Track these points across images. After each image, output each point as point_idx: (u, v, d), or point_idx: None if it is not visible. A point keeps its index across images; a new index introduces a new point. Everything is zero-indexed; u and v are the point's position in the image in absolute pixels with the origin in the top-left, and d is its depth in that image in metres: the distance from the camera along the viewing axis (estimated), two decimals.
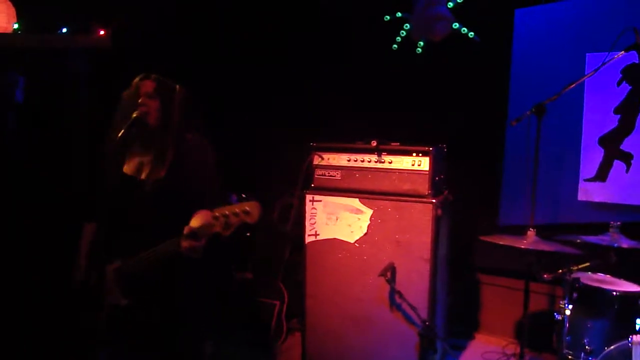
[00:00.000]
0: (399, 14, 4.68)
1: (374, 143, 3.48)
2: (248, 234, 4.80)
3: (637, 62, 3.18)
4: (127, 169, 2.74)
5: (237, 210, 2.38)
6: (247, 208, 2.38)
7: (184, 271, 2.69)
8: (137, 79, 2.74)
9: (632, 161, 4.01)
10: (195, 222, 2.49)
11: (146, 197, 2.67)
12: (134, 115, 2.63)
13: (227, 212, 2.39)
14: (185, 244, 2.49)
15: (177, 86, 2.77)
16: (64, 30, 4.25)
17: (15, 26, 4.08)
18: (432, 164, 3.38)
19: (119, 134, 2.61)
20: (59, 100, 4.24)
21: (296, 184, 3.68)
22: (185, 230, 2.48)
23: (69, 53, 4.27)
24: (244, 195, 2.43)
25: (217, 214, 2.40)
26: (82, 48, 4.37)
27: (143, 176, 2.71)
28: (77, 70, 4.33)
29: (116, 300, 2.68)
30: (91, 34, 4.33)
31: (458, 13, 4.47)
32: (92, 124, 4.22)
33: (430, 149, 3.38)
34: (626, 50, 3.14)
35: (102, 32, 4.36)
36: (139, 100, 2.67)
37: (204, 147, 2.79)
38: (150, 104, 2.68)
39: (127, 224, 2.69)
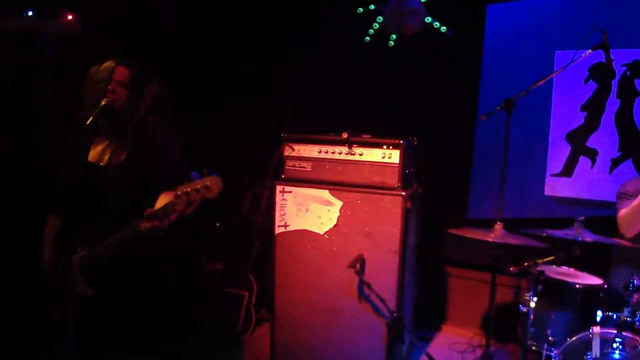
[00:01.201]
0: (372, 7, 4.67)
1: (344, 135, 3.47)
2: (217, 224, 4.77)
3: (603, 61, 3.24)
4: (91, 156, 2.70)
5: (198, 186, 2.38)
6: (208, 183, 2.37)
7: (149, 258, 2.68)
8: (112, 63, 2.68)
9: (597, 157, 4.09)
10: (158, 204, 2.48)
11: (108, 183, 2.63)
12: (103, 103, 2.57)
13: (188, 190, 2.38)
14: (145, 225, 2.47)
15: (153, 77, 2.75)
16: (30, 13, 4.14)
17: None
18: (403, 156, 3.39)
19: (87, 122, 2.50)
20: (24, 85, 4.14)
21: (267, 174, 3.66)
22: (146, 213, 2.47)
23: (35, 36, 4.17)
24: (205, 171, 2.42)
25: (179, 192, 2.39)
26: (50, 32, 4.27)
27: (104, 162, 2.68)
28: (44, 54, 4.23)
29: (82, 290, 2.65)
30: (59, 18, 4.23)
31: (431, 7, 4.48)
32: (58, 110, 4.14)
33: (401, 142, 3.39)
34: (593, 49, 3.21)
35: (70, 17, 4.27)
36: (110, 87, 2.62)
37: (166, 130, 2.76)
38: (121, 93, 2.64)
39: (90, 212, 2.66)
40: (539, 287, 3.09)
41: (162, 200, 2.50)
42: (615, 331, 2.65)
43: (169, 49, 4.69)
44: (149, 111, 2.73)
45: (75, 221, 2.71)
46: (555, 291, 3.11)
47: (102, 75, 2.65)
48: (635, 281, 2.73)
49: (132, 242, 2.53)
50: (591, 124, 4.12)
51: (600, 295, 3.04)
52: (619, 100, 4.01)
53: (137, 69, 2.71)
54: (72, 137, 2.78)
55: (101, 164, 2.68)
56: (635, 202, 3.20)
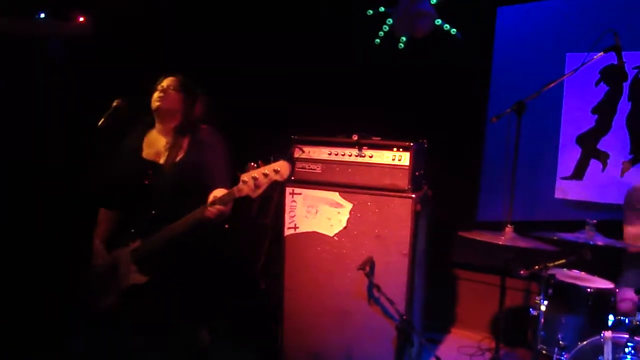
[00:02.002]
0: (382, 9, 4.67)
1: (355, 137, 3.47)
2: (227, 226, 4.77)
3: (615, 63, 3.22)
4: (148, 154, 2.92)
5: (266, 171, 2.51)
6: (277, 167, 2.51)
7: (197, 254, 2.89)
8: (162, 77, 2.93)
9: (608, 160, 4.07)
10: (217, 192, 2.66)
11: (164, 179, 2.83)
12: (114, 104, 2.85)
13: (255, 175, 2.52)
14: (210, 210, 2.64)
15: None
16: (42, 15, 4.17)
17: None
18: (413, 159, 3.38)
19: (99, 123, 2.79)
20: (33, 86, 4.17)
21: None
22: (210, 199, 2.65)
23: (46, 38, 4.19)
24: (271, 158, 2.55)
25: (245, 178, 2.54)
26: (62, 34, 4.29)
27: (162, 161, 2.88)
28: (53, 54, 4.26)
29: (133, 279, 2.82)
30: (71, 21, 4.26)
31: (441, 9, 4.48)
32: (68, 110, 4.17)
33: (411, 144, 3.39)
34: (605, 52, 3.18)
35: (81, 19, 4.29)
36: (159, 89, 2.86)
37: (217, 137, 2.97)
38: (174, 96, 2.88)
39: (145, 206, 2.84)
40: (550, 290, 3.07)
41: (215, 193, 2.67)
42: (627, 336, 2.63)
43: (169, 50, 4.72)
44: (203, 118, 2.96)
45: (127, 214, 2.91)
46: (566, 295, 3.09)
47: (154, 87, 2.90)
48: None
49: (194, 228, 2.70)
50: (602, 127, 4.10)
51: (612, 299, 3.01)
52: (630, 102, 3.99)
53: (187, 78, 2.94)
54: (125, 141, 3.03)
55: (159, 161, 2.88)
56: None
